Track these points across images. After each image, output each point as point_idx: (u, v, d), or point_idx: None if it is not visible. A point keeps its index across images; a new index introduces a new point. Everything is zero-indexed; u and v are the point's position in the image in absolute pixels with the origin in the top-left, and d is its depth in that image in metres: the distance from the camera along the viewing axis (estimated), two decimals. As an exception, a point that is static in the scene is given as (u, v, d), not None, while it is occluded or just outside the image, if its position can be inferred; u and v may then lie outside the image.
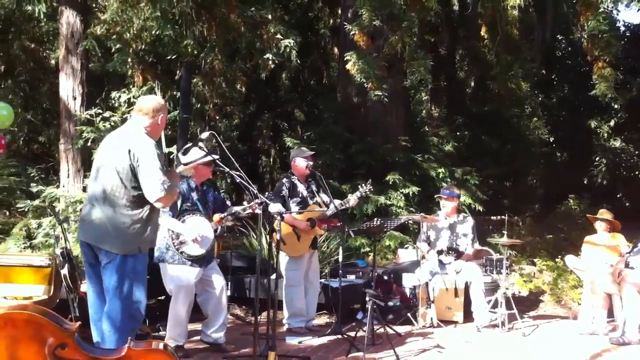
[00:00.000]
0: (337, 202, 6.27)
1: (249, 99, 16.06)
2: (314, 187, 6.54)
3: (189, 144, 4.95)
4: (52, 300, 5.72)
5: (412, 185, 10.45)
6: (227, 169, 4.99)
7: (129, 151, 4.17)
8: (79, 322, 3.90)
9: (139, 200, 4.19)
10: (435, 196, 7.67)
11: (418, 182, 10.72)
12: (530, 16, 15.22)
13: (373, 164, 10.73)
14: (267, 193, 6.57)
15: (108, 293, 4.16)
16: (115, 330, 4.11)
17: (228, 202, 6.01)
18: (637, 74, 15.31)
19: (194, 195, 5.49)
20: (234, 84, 11.71)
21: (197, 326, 5.84)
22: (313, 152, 6.69)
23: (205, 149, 4.74)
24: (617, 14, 17.68)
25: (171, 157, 8.09)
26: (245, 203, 5.66)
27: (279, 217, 5.11)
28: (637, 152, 16.64)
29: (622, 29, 18.94)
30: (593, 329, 6.56)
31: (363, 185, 6.35)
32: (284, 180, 6.54)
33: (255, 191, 4.97)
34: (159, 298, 6.79)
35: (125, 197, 4.17)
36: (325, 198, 6.44)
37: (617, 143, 17.13)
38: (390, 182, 10.35)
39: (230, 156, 4.75)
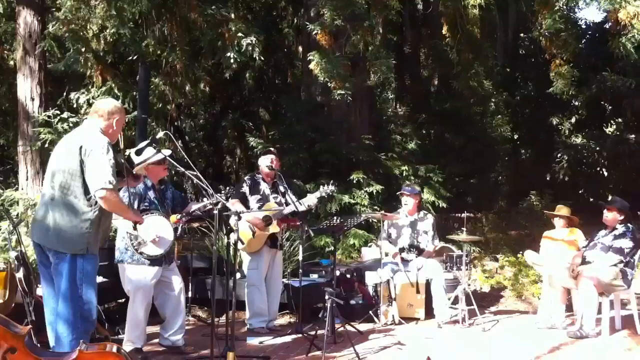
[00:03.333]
0: (298, 203, 6.27)
1: (213, 99, 15.97)
2: (280, 188, 6.54)
3: (142, 144, 4.91)
4: (7, 304, 5.60)
5: (376, 184, 10.48)
6: (182, 169, 4.95)
7: (81, 147, 4.15)
8: (29, 326, 3.85)
9: (89, 200, 4.16)
10: (397, 193, 7.68)
11: (382, 181, 10.75)
12: (492, 15, 15.39)
13: (337, 162, 10.73)
14: (228, 188, 6.56)
15: (59, 294, 4.13)
16: (70, 331, 4.08)
17: (189, 202, 5.96)
18: (597, 71, 15.53)
19: (151, 193, 5.42)
20: (197, 83, 11.61)
21: (156, 329, 5.77)
22: (267, 150, 6.74)
23: (155, 148, 4.69)
24: (579, 12, 17.97)
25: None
26: (205, 200, 5.60)
27: (235, 217, 5.07)
28: (597, 149, 16.84)
29: (584, 27, 19.26)
30: (551, 323, 6.64)
31: (326, 185, 6.36)
32: (247, 177, 6.68)
33: (211, 190, 4.93)
34: (119, 301, 6.71)
35: (74, 196, 4.14)
36: (289, 198, 6.44)
37: (579, 139, 17.39)
38: (355, 181, 10.37)
39: (185, 155, 4.71)
